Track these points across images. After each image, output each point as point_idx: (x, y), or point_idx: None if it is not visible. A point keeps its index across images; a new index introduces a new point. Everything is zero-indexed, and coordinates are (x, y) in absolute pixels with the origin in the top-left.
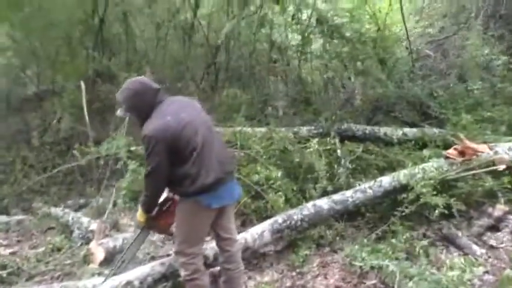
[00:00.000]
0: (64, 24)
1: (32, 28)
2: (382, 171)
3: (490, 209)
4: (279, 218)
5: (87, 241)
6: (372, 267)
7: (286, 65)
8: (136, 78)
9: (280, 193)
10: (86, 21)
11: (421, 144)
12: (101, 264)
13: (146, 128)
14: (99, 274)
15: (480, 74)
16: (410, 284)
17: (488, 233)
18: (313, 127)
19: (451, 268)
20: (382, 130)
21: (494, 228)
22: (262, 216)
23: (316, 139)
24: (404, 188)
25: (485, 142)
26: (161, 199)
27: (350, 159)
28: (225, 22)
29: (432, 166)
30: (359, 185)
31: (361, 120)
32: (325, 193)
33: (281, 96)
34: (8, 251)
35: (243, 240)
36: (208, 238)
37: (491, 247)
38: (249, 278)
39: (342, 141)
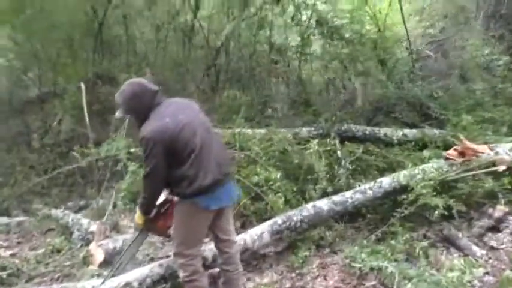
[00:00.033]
0: (65, 26)
1: (34, 30)
2: (382, 172)
3: (490, 210)
4: (279, 219)
5: (87, 242)
6: (372, 269)
7: (286, 66)
8: (134, 80)
9: (279, 194)
10: (86, 24)
11: (422, 145)
12: (101, 265)
13: (144, 129)
14: (99, 275)
15: (481, 74)
16: (410, 285)
17: (489, 234)
18: (313, 128)
19: (451, 269)
20: (382, 131)
21: (495, 229)
22: (263, 217)
23: (316, 140)
24: (405, 188)
25: (485, 143)
26: (159, 201)
27: (350, 160)
28: (225, 24)
29: (432, 167)
30: (359, 186)
31: (361, 121)
32: (325, 194)
33: (281, 98)
34: (8, 252)
35: (242, 242)
36: (207, 239)
37: (492, 248)
38: (249, 279)
39: (342, 142)
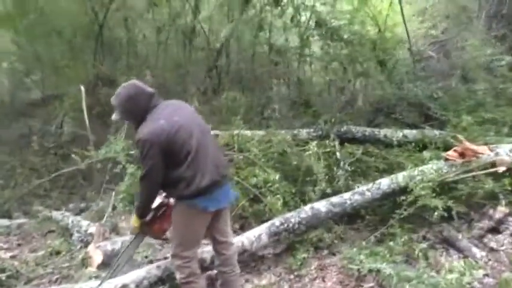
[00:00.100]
0: (67, 29)
1: (36, 34)
2: (382, 174)
3: (490, 211)
4: (276, 221)
5: (87, 244)
6: (370, 270)
7: (286, 67)
8: (130, 83)
9: (278, 196)
10: (87, 26)
11: (422, 146)
12: (99, 267)
13: (141, 131)
14: (97, 277)
15: (482, 74)
16: (408, 287)
17: (489, 235)
18: (312, 129)
19: (451, 271)
20: (382, 132)
21: (495, 230)
22: (261, 219)
23: (316, 141)
24: (404, 190)
25: (485, 143)
26: (155, 204)
27: (349, 161)
28: (226, 25)
29: (432, 168)
30: (358, 187)
31: (361, 122)
32: (324, 196)
33: (281, 99)
34: (9, 254)
35: (240, 243)
36: (205, 241)
37: (492, 249)
38: (247, 280)
39: (341, 143)
